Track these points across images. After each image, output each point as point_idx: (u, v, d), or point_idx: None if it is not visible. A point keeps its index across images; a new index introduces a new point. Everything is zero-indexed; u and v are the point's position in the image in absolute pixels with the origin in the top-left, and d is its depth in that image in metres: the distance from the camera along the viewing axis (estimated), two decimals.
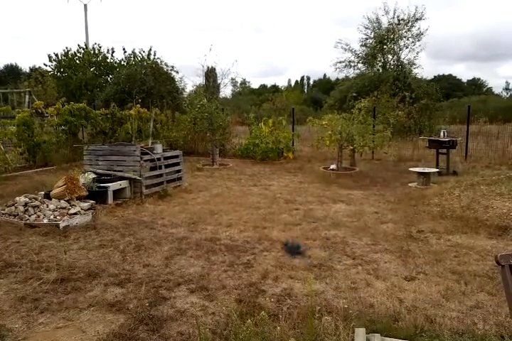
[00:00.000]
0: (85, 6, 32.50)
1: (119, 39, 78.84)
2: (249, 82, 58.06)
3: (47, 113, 11.99)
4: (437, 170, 9.13)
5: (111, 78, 23.87)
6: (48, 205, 5.97)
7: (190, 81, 57.95)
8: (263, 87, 59.81)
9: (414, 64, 22.26)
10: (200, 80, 26.26)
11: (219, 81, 25.98)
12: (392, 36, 21.71)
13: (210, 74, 25.61)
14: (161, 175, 7.83)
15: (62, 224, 5.44)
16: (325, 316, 3.03)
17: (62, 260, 4.33)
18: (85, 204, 6.17)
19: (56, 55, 24.96)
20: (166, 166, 8.01)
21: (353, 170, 10.17)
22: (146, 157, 7.48)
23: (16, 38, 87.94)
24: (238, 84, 51.38)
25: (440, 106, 20.56)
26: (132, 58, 24.99)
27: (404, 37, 21.72)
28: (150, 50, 24.06)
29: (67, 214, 5.81)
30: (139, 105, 15.32)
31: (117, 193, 6.97)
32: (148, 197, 7.25)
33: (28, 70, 39.24)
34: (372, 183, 8.85)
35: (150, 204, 6.85)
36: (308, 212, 6.37)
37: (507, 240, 4.95)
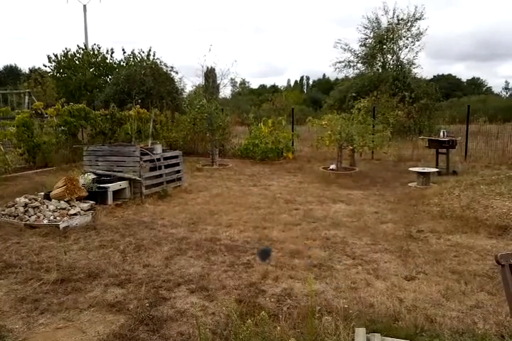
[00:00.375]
0: (84, 6, 32.54)
1: (118, 39, 78.62)
2: (248, 82, 58.07)
3: (46, 114, 12.00)
4: (437, 169, 9.14)
5: (110, 79, 23.87)
6: (47, 206, 5.97)
7: (189, 81, 57.86)
8: (262, 87, 59.82)
9: (414, 64, 22.31)
10: (200, 80, 26.34)
11: (218, 81, 26.05)
12: (391, 36, 21.72)
13: (210, 74, 25.66)
14: (160, 176, 7.83)
15: (62, 225, 5.44)
16: (325, 316, 3.03)
17: (63, 260, 4.33)
18: (85, 205, 6.17)
19: (55, 55, 24.98)
20: (166, 166, 8.01)
21: (353, 170, 10.18)
22: (145, 157, 7.48)
23: (16, 38, 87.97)
24: (238, 85, 51.38)
25: (440, 105, 20.57)
26: (132, 59, 24.98)
27: (404, 37, 21.73)
28: (149, 50, 24.08)
29: (67, 214, 5.81)
30: (138, 106, 15.32)
31: (117, 194, 6.97)
32: (148, 197, 7.25)
33: (27, 71, 39.27)
34: (372, 183, 8.85)
35: (150, 205, 6.86)
36: (308, 212, 6.37)
37: (507, 240, 4.96)
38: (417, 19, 21.29)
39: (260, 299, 3.45)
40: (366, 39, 22.68)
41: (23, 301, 3.44)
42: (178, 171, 8.42)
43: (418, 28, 21.45)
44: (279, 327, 2.71)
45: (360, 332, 2.30)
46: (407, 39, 21.80)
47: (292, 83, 67.66)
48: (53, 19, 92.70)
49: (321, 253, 4.53)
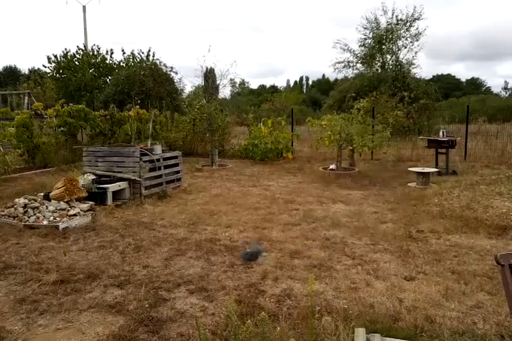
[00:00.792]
0: (84, 7, 32.52)
1: (118, 40, 78.86)
2: (248, 83, 58.17)
3: (46, 114, 11.99)
4: (436, 169, 9.14)
5: (110, 79, 23.85)
6: (47, 207, 5.97)
7: (189, 82, 57.98)
8: (262, 87, 59.92)
9: (413, 64, 22.28)
10: (199, 81, 26.34)
11: (218, 81, 26.01)
12: (390, 36, 21.72)
13: (209, 74, 25.64)
14: (160, 176, 7.83)
15: (61, 226, 5.44)
16: (325, 316, 3.03)
17: (62, 261, 4.32)
18: (85, 206, 6.17)
19: (55, 56, 24.96)
20: (166, 167, 8.01)
21: (353, 170, 10.18)
22: (145, 158, 7.48)
23: (15, 39, 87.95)
24: (237, 85, 51.44)
25: (439, 105, 20.57)
26: (131, 59, 24.98)
27: (403, 37, 21.73)
28: (149, 51, 24.09)
29: (67, 215, 5.81)
30: (138, 106, 15.32)
31: (117, 194, 6.97)
32: (147, 198, 7.25)
33: (27, 72, 39.35)
34: (371, 183, 8.85)
35: (149, 205, 6.85)
36: (307, 212, 6.37)
37: (507, 239, 4.95)
38: (415, 19, 21.30)
39: (260, 299, 3.45)
40: (365, 39, 22.70)
41: (23, 302, 3.44)
42: (178, 172, 8.42)
43: (417, 28, 21.48)
44: (278, 328, 2.70)
45: (360, 333, 2.30)
46: (406, 39, 21.81)
47: (292, 83, 67.79)
48: (53, 20, 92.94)
49: (321, 254, 4.53)
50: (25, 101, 17.85)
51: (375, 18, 22.18)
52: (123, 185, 7.06)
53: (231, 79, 33.09)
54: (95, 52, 25.45)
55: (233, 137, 14.65)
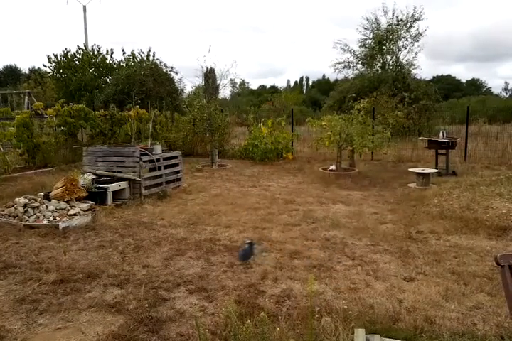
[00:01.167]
0: (84, 7, 32.50)
1: (118, 40, 78.78)
2: (248, 83, 58.18)
3: (46, 114, 11.99)
4: (436, 170, 9.14)
5: (110, 79, 23.85)
6: (47, 206, 5.96)
7: (189, 82, 58.05)
8: (262, 87, 59.91)
9: (413, 64, 22.30)
10: (200, 81, 26.36)
11: (218, 82, 26.04)
12: (391, 37, 21.74)
13: (209, 75, 25.66)
14: (160, 176, 7.82)
15: (61, 225, 5.44)
16: (324, 317, 3.03)
17: (62, 261, 4.32)
18: (85, 205, 6.17)
19: (55, 56, 24.95)
20: (165, 167, 8.01)
21: (353, 171, 10.17)
22: (145, 158, 7.48)
23: (16, 39, 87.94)
24: (237, 85, 51.45)
25: (439, 106, 20.59)
26: (131, 59, 24.97)
27: (403, 37, 21.75)
28: (149, 51, 24.07)
29: (67, 215, 5.81)
30: (138, 106, 15.32)
31: (116, 194, 6.97)
32: (147, 197, 7.25)
33: (27, 71, 39.36)
34: (371, 184, 8.85)
35: (149, 205, 6.85)
36: (307, 212, 6.37)
37: (506, 240, 4.96)
38: (416, 20, 21.32)
39: (259, 300, 3.44)
40: (366, 40, 22.72)
41: (22, 301, 3.44)
42: (178, 172, 8.42)
43: (417, 29, 21.49)
44: (278, 328, 2.70)
45: (360, 333, 2.30)
46: (406, 40, 21.82)
47: (292, 84, 67.77)
48: (53, 19, 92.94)
49: (321, 254, 4.53)
50: (26, 100, 17.85)
51: (376, 19, 22.22)
52: (123, 184, 7.05)
53: (231, 80, 33.16)
54: (95, 52, 25.45)
55: (233, 137, 14.65)
